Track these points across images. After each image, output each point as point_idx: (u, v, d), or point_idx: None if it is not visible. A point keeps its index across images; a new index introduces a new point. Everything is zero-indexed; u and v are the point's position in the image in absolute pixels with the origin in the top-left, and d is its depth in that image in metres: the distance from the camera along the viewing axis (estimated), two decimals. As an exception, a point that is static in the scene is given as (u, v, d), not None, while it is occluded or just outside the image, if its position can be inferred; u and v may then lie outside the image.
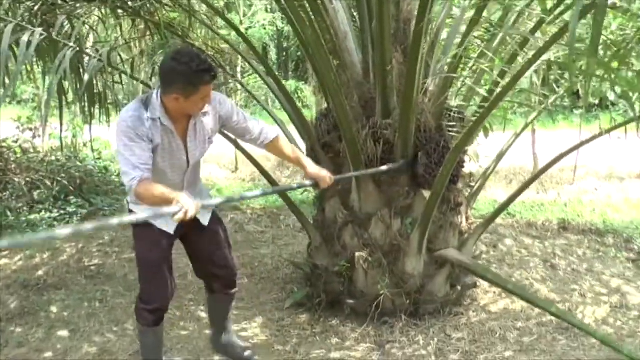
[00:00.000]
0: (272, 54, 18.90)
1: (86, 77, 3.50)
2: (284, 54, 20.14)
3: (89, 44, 4.64)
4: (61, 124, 4.49)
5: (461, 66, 3.44)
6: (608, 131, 3.74)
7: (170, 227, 2.79)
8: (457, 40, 3.82)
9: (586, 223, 5.87)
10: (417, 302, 3.63)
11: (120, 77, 4.10)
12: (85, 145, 7.15)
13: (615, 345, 2.97)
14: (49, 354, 3.28)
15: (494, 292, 4.17)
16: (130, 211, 2.80)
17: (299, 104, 8.31)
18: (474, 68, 3.70)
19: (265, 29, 13.99)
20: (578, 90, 7.36)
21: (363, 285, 3.62)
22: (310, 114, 6.43)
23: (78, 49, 3.35)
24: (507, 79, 3.03)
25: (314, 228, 3.91)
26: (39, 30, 3.21)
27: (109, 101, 4.35)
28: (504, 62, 3.19)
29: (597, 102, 11.03)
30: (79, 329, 3.53)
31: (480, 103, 3.47)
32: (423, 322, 3.64)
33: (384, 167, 3.44)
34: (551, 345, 3.45)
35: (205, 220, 2.91)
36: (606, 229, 5.70)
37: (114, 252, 4.87)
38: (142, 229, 2.78)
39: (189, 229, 2.84)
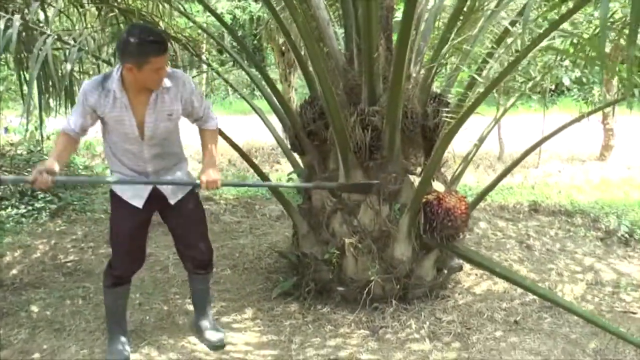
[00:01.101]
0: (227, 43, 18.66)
1: (68, 67, 3.35)
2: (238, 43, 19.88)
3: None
4: (27, 116, 4.31)
5: (447, 53, 3.46)
6: (589, 114, 3.86)
7: (138, 202, 2.96)
8: (439, 24, 3.85)
9: (555, 204, 6.04)
10: (406, 286, 3.67)
11: (98, 67, 3.95)
12: (48, 138, 6.90)
13: (605, 324, 3.08)
14: (36, 355, 3.16)
15: (476, 275, 4.26)
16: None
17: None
18: (458, 55, 3.73)
19: (224, 17, 13.78)
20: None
21: (353, 272, 3.64)
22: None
23: (57, 36, 3.22)
24: (496, 66, 3.06)
25: (300, 216, 3.89)
26: (17, 17, 3.06)
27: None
28: (490, 48, 3.23)
29: (553, 87, 11.37)
30: (64, 328, 3.42)
31: (467, 89, 3.50)
32: (412, 307, 3.69)
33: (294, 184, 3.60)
34: (537, 323, 3.55)
35: (173, 198, 3.04)
36: (574, 209, 5.88)
37: (90, 248, 4.74)
38: (116, 200, 3.01)
39: (161, 206, 3.05)
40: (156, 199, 3.00)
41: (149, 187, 2.98)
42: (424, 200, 3.51)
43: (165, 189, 3.01)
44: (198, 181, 2.96)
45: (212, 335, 3.28)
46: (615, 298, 3.98)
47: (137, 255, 3.13)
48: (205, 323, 3.36)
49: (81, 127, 2.82)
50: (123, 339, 3.17)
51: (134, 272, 3.19)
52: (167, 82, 2.80)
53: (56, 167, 2.68)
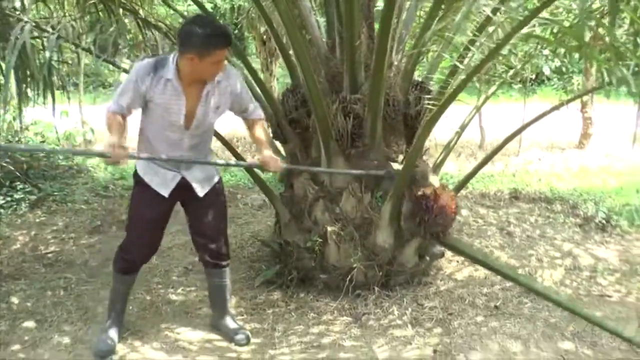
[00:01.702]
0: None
1: (47, 55, 3.31)
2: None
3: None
4: (4, 106, 4.26)
5: (429, 40, 3.47)
6: (568, 102, 3.91)
7: (164, 190, 2.96)
8: (421, 13, 3.86)
9: (535, 192, 6.12)
10: (389, 273, 3.70)
11: (78, 55, 3.90)
12: (27, 128, 6.81)
13: (577, 308, 3.14)
14: (16, 347, 3.14)
15: (458, 261, 4.30)
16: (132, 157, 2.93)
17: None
18: (440, 43, 3.75)
19: (205, 5, 13.66)
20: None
21: (335, 260, 3.66)
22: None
23: (34, 24, 3.17)
24: (478, 54, 3.08)
25: (282, 204, 3.89)
26: (-7, 4, 3.02)
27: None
28: (472, 36, 3.24)
29: (534, 76, 11.48)
30: (45, 319, 3.40)
31: (449, 77, 3.51)
32: (395, 293, 3.72)
33: (354, 171, 3.54)
34: (518, 308, 3.60)
35: (201, 191, 3.04)
36: (553, 196, 5.97)
37: (70, 238, 4.71)
38: (142, 186, 3.00)
39: (185, 196, 3.05)
40: (182, 189, 3.00)
41: (178, 177, 2.98)
42: (420, 193, 3.52)
43: (194, 180, 3.01)
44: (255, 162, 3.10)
45: (239, 337, 3.21)
46: (592, 282, 4.06)
47: (153, 243, 3.12)
48: (228, 322, 3.29)
49: (128, 109, 2.83)
50: (116, 329, 3.16)
51: (146, 261, 3.18)
52: (218, 76, 2.84)
53: (125, 144, 2.72)
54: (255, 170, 3.60)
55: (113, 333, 3.14)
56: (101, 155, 2.80)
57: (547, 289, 3.63)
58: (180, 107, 2.81)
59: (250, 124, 3.14)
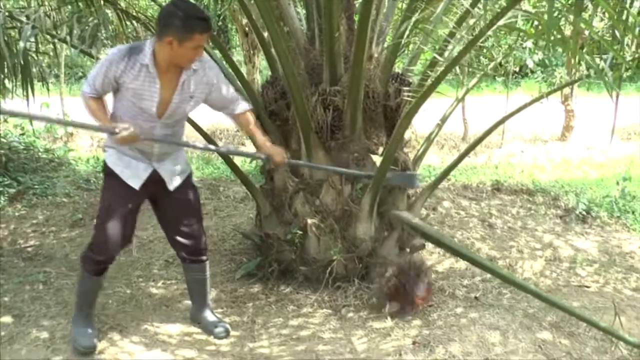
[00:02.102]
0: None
1: (21, 45, 3.26)
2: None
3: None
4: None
5: (409, 33, 3.48)
6: (548, 94, 3.93)
7: (135, 182, 2.88)
8: (402, 5, 3.85)
9: (517, 184, 6.17)
10: (369, 266, 3.71)
11: (54, 45, 3.85)
12: (6, 120, 6.73)
13: (551, 298, 3.16)
14: (-8, 342, 3.11)
15: (439, 253, 4.32)
16: (104, 151, 2.92)
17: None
18: (420, 35, 3.75)
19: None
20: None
21: (315, 252, 3.66)
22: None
23: (8, 14, 3.12)
24: (458, 47, 3.09)
25: (262, 197, 3.88)
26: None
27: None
28: (452, 28, 3.25)
29: (517, 69, 11.55)
30: (23, 314, 3.35)
31: (428, 69, 3.52)
32: (374, 285, 3.72)
33: (352, 171, 3.52)
34: (497, 299, 3.63)
35: (172, 184, 2.98)
36: (535, 188, 6.01)
37: (51, 232, 4.67)
38: (112, 179, 2.91)
39: (157, 190, 2.96)
40: (153, 183, 2.93)
41: (150, 169, 2.91)
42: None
43: (165, 174, 2.95)
44: (263, 155, 3.04)
45: (219, 330, 3.19)
46: (572, 273, 4.10)
47: (124, 237, 2.97)
48: (207, 315, 3.26)
49: (104, 92, 2.79)
50: (92, 325, 3.09)
51: (116, 256, 3.07)
52: (195, 64, 2.79)
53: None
54: (243, 162, 3.53)
55: (91, 327, 3.10)
56: (105, 130, 2.78)
57: (525, 281, 3.66)
58: (153, 94, 2.75)
59: (240, 120, 3.08)
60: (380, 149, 3.71)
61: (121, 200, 2.91)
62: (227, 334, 3.19)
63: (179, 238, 3.10)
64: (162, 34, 2.64)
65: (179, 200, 3.03)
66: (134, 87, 2.73)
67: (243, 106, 3.06)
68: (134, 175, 2.89)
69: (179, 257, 3.24)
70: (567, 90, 8.27)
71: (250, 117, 3.09)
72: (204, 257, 3.20)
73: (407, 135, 4.05)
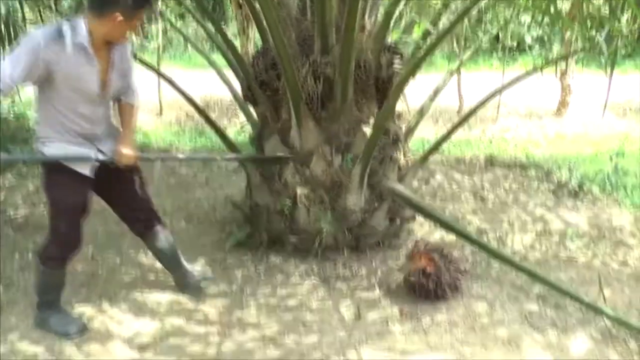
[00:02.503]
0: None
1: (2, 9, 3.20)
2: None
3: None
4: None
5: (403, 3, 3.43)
6: (542, 67, 3.91)
7: (86, 169, 2.73)
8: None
9: (511, 158, 6.16)
10: (358, 236, 3.72)
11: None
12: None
13: (532, 272, 3.17)
14: (-18, 310, 3.12)
15: (430, 225, 4.33)
16: (41, 144, 2.70)
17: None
18: (414, 6, 3.70)
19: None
20: (498, 34, 7.63)
21: (305, 222, 3.65)
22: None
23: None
24: (450, 16, 3.05)
25: (252, 167, 3.87)
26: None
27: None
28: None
29: (515, 45, 11.46)
30: (13, 283, 3.36)
31: (422, 40, 3.48)
32: (364, 256, 3.74)
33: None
34: (486, 270, 3.64)
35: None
36: (529, 163, 6.01)
37: (41, 202, 4.65)
38: (57, 174, 2.71)
39: (101, 172, 2.79)
40: (101, 166, 2.80)
41: (95, 153, 2.76)
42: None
43: (109, 152, 2.81)
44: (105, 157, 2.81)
45: (203, 284, 3.26)
46: (561, 246, 4.11)
47: (81, 230, 2.84)
48: (188, 277, 3.28)
49: (23, 81, 2.50)
50: (67, 311, 3.02)
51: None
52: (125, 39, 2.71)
53: None
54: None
55: (68, 312, 3.02)
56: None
57: (513, 254, 3.68)
58: (93, 75, 2.60)
59: (125, 108, 2.91)
60: (372, 120, 3.69)
61: (74, 193, 2.75)
62: (210, 284, 3.27)
63: (130, 213, 3.05)
64: (106, 10, 2.48)
65: (122, 176, 2.92)
66: (71, 71, 2.53)
67: (134, 97, 2.93)
68: (84, 162, 2.73)
69: (135, 234, 3.17)
70: (564, 65, 8.22)
71: (134, 112, 2.94)
72: (159, 225, 3.15)
73: (401, 108, 4.03)
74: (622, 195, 5.16)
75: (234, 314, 3.13)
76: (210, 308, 3.19)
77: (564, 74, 8.55)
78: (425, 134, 7.05)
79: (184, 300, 3.26)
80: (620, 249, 4.06)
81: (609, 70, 6.43)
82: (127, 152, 2.80)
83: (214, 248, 3.91)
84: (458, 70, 7.69)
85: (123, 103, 2.91)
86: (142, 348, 2.82)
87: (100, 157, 2.78)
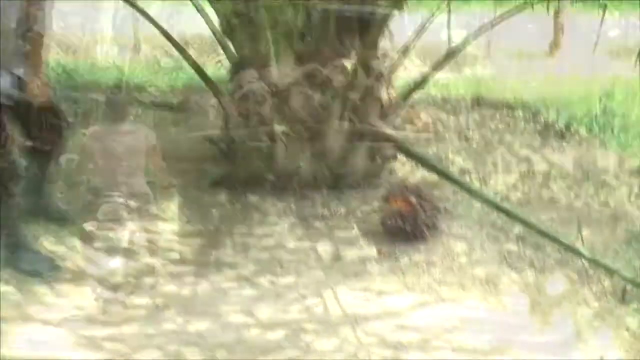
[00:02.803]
0: None
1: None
2: None
3: None
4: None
5: None
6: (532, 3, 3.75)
7: None
8: None
9: (498, 98, 6.03)
10: (338, 175, 3.64)
11: None
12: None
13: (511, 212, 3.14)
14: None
15: (411, 164, 4.24)
16: None
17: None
18: None
19: None
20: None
21: (283, 160, 3.56)
22: None
23: None
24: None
25: (230, 102, 3.73)
26: None
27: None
28: None
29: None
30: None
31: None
32: (344, 195, 3.67)
33: None
34: (467, 210, 3.59)
35: None
36: (516, 103, 5.88)
37: None
38: None
39: None
40: None
41: None
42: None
43: None
44: None
45: None
46: (544, 187, 4.06)
47: None
48: None
49: None
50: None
51: None
52: None
53: None
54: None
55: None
56: None
57: (495, 195, 3.63)
58: None
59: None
60: (353, 53, 3.54)
61: None
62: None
63: None
64: None
65: None
66: None
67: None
68: None
69: None
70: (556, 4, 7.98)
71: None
72: None
73: (385, 45, 3.88)
74: (608, 137, 5.08)
75: (210, 254, 3.08)
76: (186, 247, 3.13)
77: (557, 12, 8.32)
78: (413, 74, 6.89)
79: (160, 238, 3.19)
80: (602, 190, 4.02)
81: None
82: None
83: (191, 187, 3.81)
84: (448, 5, 7.49)
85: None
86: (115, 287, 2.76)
87: None
